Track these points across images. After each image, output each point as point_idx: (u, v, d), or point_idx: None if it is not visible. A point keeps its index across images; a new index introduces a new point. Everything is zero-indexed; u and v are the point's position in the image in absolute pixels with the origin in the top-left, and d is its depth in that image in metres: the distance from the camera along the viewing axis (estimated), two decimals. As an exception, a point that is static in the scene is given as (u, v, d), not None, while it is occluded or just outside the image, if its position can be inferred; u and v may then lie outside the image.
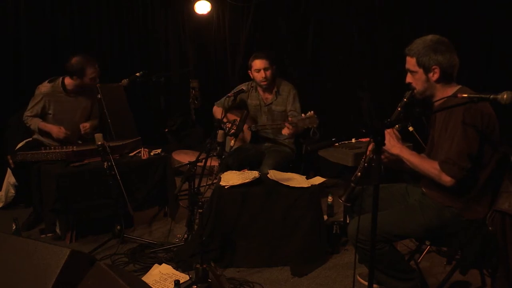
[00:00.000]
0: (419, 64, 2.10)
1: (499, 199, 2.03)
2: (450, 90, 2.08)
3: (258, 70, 3.47)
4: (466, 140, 1.95)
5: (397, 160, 2.18)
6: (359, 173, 2.17)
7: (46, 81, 3.54)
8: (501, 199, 2.02)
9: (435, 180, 2.04)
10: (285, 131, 3.19)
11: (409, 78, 2.19)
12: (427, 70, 2.09)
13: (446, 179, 1.98)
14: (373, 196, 1.65)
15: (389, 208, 2.28)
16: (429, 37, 2.11)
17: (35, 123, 3.50)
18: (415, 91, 2.16)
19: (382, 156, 2.24)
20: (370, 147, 2.17)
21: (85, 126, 3.60)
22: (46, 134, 3.52)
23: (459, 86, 2.11)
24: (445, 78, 2.09)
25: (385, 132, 2.07)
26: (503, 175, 2.06)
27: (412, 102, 2.18)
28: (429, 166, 2.04)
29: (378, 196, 1.66)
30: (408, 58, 2.15)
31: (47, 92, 3.48)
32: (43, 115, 3.53)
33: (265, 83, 3.49)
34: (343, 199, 2.22)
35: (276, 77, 3.59)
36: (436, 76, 2.08)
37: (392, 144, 2.12)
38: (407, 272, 2.23)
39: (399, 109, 2.17)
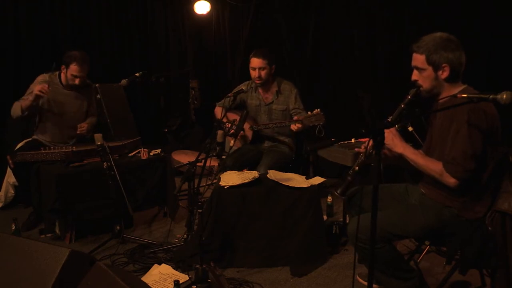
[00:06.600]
0: (428, 61, 2.05)
1: (499, 199, 2.03)
2: (456, 89, 2.06)
3: (254, 68, 3.47)
4: (471, 141, 1.94)
5: (398, 157, 2.16)
6: (357, 167, 2.13)
7: (44, 73, 3.55)
8: (501, 199, 2.02)
9: (438, 180, 2.03)
10: (294, 127, 3.21)
11: (415, 76, 2.13)
12: (436, 68, 2.05)
13: (450, 180, 1.98)
14: (372, 196, 1.65)
15: (388, 207, 2.28)
16: (438, 34, 2.07)
17: (18, 105, 3.34)
18: (421, 88, 2.11)
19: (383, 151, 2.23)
20: (370, 142, 2.13)
21: (82, 126, 3.56)
22: (33, 109, 3.37)
23: (465, 86, 2.09)
24: (453, 77, 2.06)
25: (388, 130, 2.06)
26: (503, 175, 2.06)
27: (417, 100, 2.13)
28: (433, 167, 2.03)
29: (378, 196, 1.65)
30: (416, 55, 2.10)
31: (44, 80, 3.47)
32: (39, 110, 3.48)
33: (258, 81, 3.49)
34: (338, 191, 2.17)
35: (274, 76, 3.57)
36: (445, 74, 2.05)
37: (395, 143, 2.09)
38: (406, 271, 2.23)
39: (402, 106, 2.12)
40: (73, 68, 3.41)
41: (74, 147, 3.30)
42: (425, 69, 2.08)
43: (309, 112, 3.19)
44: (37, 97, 3.28)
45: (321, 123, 3.13)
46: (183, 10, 5.68)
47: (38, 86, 3.26)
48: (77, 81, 3.46)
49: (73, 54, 3.41)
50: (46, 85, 3.28)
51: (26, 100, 3.33)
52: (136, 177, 3.34)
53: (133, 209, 3.17)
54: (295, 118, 3.27)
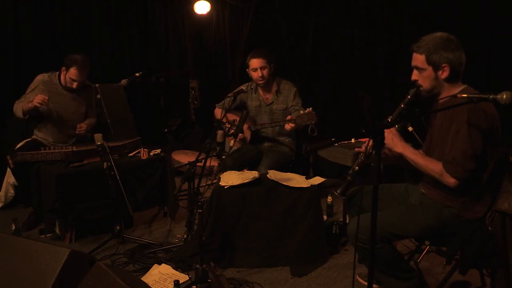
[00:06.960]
0: (428, 61, 2.05)
1: (499, 199, 2.03)
2: (456, 89, 2.06)
3: (255, 69, 3.47)
4: (471, 141, 1.94)
5: (398, 157, 2.16)
6: (357, 167, 2.13)
7: (44, 73, 3.55)
8: (501, 199, 2.02)
9: (438, 180, 2.03)
10: (288, 127, 3.21)
11: (415, 76, 2.13)
12: (436, 67, 2.05)
13: (450, 180, 1.98)
14: (372, 196, 1.65)
15: (388, 208, 2.28)
16: (438, 34, 2.07)
17: (20, 107, 3.40)
18: (421, 88, 2.11)
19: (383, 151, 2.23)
20: (370, 142, 2.13)
21: (81, 126, 3.57)
22: (35, 115, 3.42)
23: (464, 86, 2.09)
24: (453, 77, 2.06)
25: (388, 130, 2.06)
26: (503, 175, 2.06)
27: (416, 99, 2.13)
28: (433, 167, 2.03)
29: (378, 196, 1.65)
30: (416, 55, 2.10)
31: (44, 80, 3.48)
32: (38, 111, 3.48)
33: (261, 81, 3.49)
34: (338, 191, 2.17)
35: (274, 75, 3.58)
36: (445, 74, 2.05)
37: (395, 142, 2.09)
38: (406, 271, 2.23)
39: (402, 105, 2.12)
40: (72, 72, 3.41)
41: (74, 147, 3.31)
42: (425, 69, 2.08)
43: (301, 111, 3.19)
44: (36, 106, 3.29)
45: (313, 122, 3.12)
46: (183, 10, 5.68)
47: (38, 97, 3.27)
48: (74, 85, 3.47)
49: (74, 58, 3.40)
50: (46, 97, 3.29)
51: (26, 104, 3.34)
52: (136, 177, 3.34)
53: (133, 209, 3.17)
54: (288, 118, 3.26)
